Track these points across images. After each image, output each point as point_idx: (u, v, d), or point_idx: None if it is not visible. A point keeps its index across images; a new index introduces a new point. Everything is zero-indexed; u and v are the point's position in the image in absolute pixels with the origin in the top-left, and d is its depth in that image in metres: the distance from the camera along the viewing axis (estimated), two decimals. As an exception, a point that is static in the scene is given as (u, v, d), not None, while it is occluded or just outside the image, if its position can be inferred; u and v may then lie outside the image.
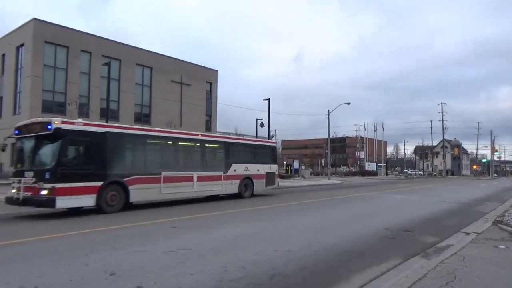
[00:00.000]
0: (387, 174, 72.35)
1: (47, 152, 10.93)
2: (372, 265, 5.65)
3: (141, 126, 17.53)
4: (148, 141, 13.60)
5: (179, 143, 14.80)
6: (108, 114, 24.79)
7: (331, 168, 52.59)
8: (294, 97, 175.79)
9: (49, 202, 10.31)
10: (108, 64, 26.68)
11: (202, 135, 16.43)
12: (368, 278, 4.98)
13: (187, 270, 5.25)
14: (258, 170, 18.07)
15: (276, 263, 5.66)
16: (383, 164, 75.58)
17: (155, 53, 37.70)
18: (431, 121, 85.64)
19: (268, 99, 37.27)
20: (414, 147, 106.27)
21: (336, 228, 9.05)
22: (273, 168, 19.40)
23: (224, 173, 16.18)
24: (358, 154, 77.13)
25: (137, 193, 12.41)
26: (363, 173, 63.53)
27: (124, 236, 7.96)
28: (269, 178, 18.76)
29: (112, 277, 4.89)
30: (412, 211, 13.11)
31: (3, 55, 32.39)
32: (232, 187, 16.60)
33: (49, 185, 10.29)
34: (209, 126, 42.12)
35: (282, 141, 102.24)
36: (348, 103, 44.11)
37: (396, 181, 44.40)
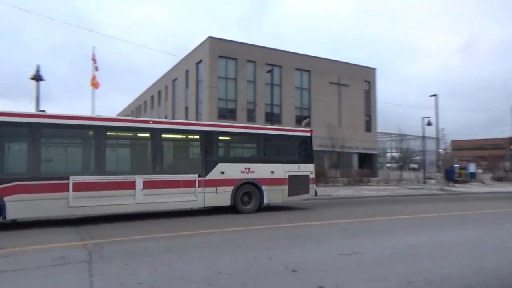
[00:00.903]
0: None
1: None
2: None
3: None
4: (45, 131, 9.59)
5: (108, 133, 10.29)
6: (272, 118, 26.48)
7: (519, 172, 44.17)
8: (465, 91, 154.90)
9: None
10: (271, 71, 28.54)
11: (154, 122, 11.21)
12: None
13: (366, 275, 5.10)
14: (272, 172, 12.52)
15: (470, 280, 4.99)
16: None
17: (312, 56, 38.48)
18: None
19: (435, 95, 33.87)
20: None
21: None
22: (304, 169, 13.23)
23: (200, 176, 11.28)
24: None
25: (21, 207, 8.92)
26: None
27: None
28: (296, 183, 12.92)
29: (294, 274, 5.11)
30: None
31: (187, 71, 38.07)
32: (219, 197, 11.52)
33: None
34: (369, 126, 40.74)
35: (452, 141, 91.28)
36: (542, 94, 36.38)
37: None
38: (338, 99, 38.75)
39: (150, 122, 11.14)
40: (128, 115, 62.21)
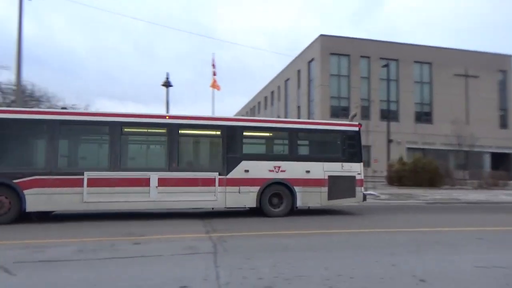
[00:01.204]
0: None
1: None
2: None
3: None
4: (62, 128, 9.88)
5: (124, 129, 10.29)
6: (389, 115, 25.03)
7: None
8: None
9: None
10: (387, 66, 27.00)
11: (171, 117, 10.84)
12: None
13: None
14: (307, 171, 11.19)
15: None
16: None
17: (433, 47, 35.26)
18: None
19: None
20: None
21: None
22: (350, 168, 11.55)
23: (221, 174, 10.59)
24: None
25: (38, 200, 9.38)
26: None
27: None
28: (338, 185, 11.35)
29: (422, 284, 4.68)
30: None
31: (299, 71, 38.39)
32: (242, 197, 10.67)
33: None
34: (504, 122, 35.69)
35: None
36: None
37: None
38: (465, 92, 34.81)
39: (167, 117, 10.85)
40: (243, 116, 65.45)
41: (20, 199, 9.23)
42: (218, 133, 10.90)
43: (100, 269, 5.30)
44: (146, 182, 9.97)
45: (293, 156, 11.26)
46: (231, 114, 68.82)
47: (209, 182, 10.42)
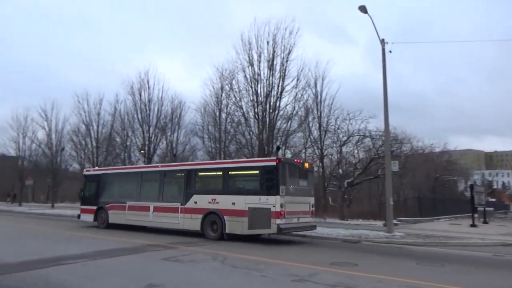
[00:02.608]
0: None
1: (82, 188, 19.52)
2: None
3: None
4: (121, 176, 18.05)
5: (143, 175, 16.90)
6: None
7: None
8: None
9: (78, 217, 18.73)
10: None
11: (162, 166, 17.98)
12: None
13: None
14: (233, 203, 13.08)
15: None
16: None
17: None
18: None
19: None
20: None
21: None
22: (266, 201, 12.41)
23: (182, 205, 14.63)
24: None
25: (113, 217, 16.79)
26: None
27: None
28: (256, 216, 12.49)
29: None
30: None
31: None
32: (193, 222, 14.10)
33: (81, 207, 18.89)
34: None
35: None
36: None
37: None
38: None
39: (160, 166, 18.12)
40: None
41: (107, 216, 17.12)
42: (183, 175, 15.52)
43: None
44: (148, 209, 15.67)
45: (224, 190, 13.77)
46: None
47: (175, 210, 14.73)
